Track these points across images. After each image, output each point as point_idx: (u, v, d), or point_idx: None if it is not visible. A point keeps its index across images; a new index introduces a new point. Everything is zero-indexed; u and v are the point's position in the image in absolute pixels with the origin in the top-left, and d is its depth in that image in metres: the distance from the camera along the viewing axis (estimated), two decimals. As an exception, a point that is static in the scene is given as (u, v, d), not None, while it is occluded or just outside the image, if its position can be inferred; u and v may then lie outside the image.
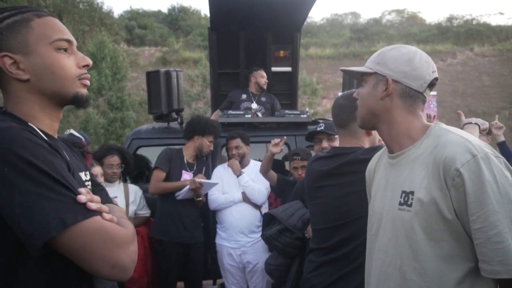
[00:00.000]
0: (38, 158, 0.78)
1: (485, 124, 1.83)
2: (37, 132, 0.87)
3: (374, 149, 1.45)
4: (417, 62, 1.09)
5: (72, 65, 0.92)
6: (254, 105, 3.75)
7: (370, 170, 1.30)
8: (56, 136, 0.97)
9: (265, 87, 3.98)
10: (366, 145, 1.60)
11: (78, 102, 0.93)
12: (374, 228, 1.18)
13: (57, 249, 0.77)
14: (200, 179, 2.86)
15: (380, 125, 1.15)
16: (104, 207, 0.84)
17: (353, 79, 4.01)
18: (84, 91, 0.94)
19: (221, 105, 3.97)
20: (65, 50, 0.92)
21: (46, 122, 0.93)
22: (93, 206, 0.81)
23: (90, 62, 0.96)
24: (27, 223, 0.74)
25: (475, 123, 1.77)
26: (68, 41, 0.92)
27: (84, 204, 0.80)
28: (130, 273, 0.83)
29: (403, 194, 1.05)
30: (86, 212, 0.79)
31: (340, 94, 1.72)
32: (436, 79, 1.12)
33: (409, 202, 1.03)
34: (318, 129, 2.29)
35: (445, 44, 19.93)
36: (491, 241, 0.92)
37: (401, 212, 1.05)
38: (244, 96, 4.00)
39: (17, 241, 0.77)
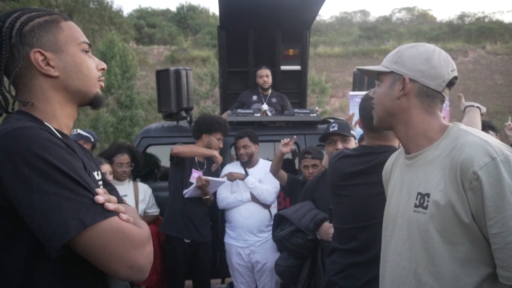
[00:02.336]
0: (57, 159, 0.78)
1: (484, 109, 1.79)
2: (53, 131, 0.88)
3: None
4: (436, 61, 1.07)
5: (94, 66, 0.97)
6: (265, 106, 3.73)
7: (387, 170, 1.28)
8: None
9: (265, 86, 3.95)
10: (396, 145, 1.56)
11: (96, 102, 0.98)
12: (389, 229, 1.16)
13: (75, 249, 0.77)
14: (208, 176, 2.86)
15: (397, 125, 1.13)
16: (121, 208, 0.84)
17: (363, 78, 3.97)
18: (100, 92, 0.99)
19: (232, 106, 3.96)
20: (86, 52, 0.96)
21: (63, 121, 0.95)
22: (110, 206, 0.81)
23: (106, 66, 1.02)
24: (47, 224, 0.74)
25: (477, 107, 1.74)
26: (89, 45, 0.97)
27: (102, 204, 0.80)
28: (146, 274, 0.83)
29: (419, 196, 1.03)
30: (104, 212, 0.79)
31: (365, 93, 1.63)
32: (455, 78, 1.09)
33: (424, 204, 1.01)
34: (331, 129, 2.23)
35: (456, 42, 19.67)
36: (510, 247, 0.89)
37: (417, 214, 1.03)
38: (254, 98, 3.98)
39: (33, 241, 0.78)
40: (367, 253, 1.48)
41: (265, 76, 3.95)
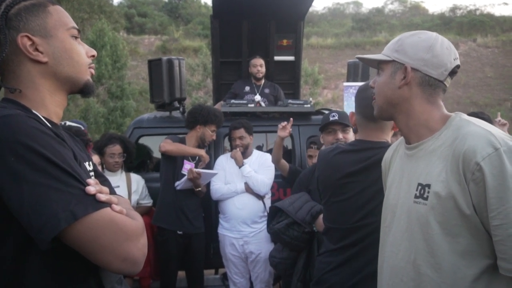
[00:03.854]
0: (46, 148, 0.75)
1: None
2: (42, 120, 0.84)
3: None
4: (438, 49, 1.04)
5: (84, 53, 0.94)
6: (258, 97, 3.69)
7: (386, 161, 1.26)
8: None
9: (259, 76, 3.90)
10: (389, 139, 1.52)
11: (87, 89, 0.95)
12: (387, 220, 1.15)
13: (66, 242, 0.74)
14: (199, 169, 2.83)
15: (398, 115, 1.11)
16: (114, 199, 0.81)
17: (358, 69, 3.95)
18: (91, 79, 0.96)
19: (225, 97, 3.92)
20: (76, 38, 0.93)
21: (52, 110, 0.91)
22: (102, 197, 0.78)
23: (96, 53, 0.99)
24: (37, 217, 0.71)
25: None
26: (79, 30, 0.94)
27: (94, 195, 0.77)
28: (140, 266, 0.81)
29: (419, 187, 1.02)
30: (96, 204, 0.76)
31: (362, 84, 1.59)
32: (458, 66, 1.07)
33: (425, 195, 1.00)
34: (332, 118, 2.17)
35: (448, 34, 19.75)
36: (511, 239, 0.88)
37: (417, 205, 1.02)
38: (247, 88, 3.93)
39: (23, 234, 0.75)
40: (363, 250, 1.44)
41: (259, 65, 3.90)
